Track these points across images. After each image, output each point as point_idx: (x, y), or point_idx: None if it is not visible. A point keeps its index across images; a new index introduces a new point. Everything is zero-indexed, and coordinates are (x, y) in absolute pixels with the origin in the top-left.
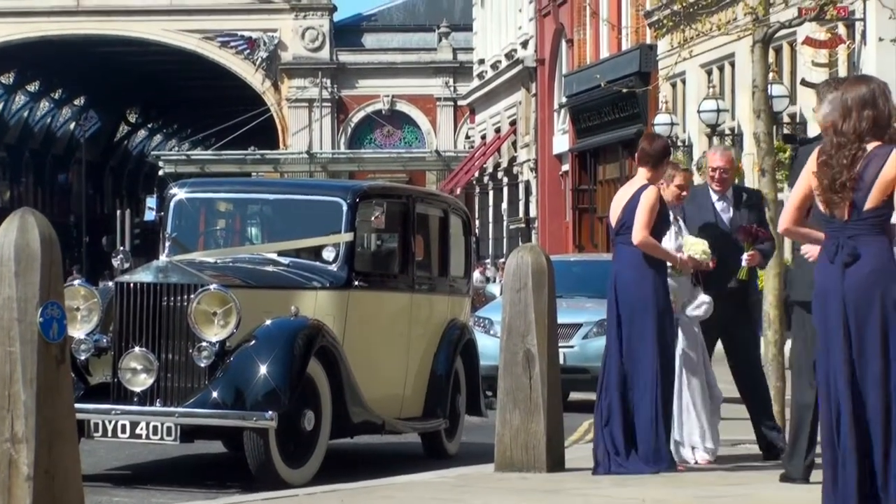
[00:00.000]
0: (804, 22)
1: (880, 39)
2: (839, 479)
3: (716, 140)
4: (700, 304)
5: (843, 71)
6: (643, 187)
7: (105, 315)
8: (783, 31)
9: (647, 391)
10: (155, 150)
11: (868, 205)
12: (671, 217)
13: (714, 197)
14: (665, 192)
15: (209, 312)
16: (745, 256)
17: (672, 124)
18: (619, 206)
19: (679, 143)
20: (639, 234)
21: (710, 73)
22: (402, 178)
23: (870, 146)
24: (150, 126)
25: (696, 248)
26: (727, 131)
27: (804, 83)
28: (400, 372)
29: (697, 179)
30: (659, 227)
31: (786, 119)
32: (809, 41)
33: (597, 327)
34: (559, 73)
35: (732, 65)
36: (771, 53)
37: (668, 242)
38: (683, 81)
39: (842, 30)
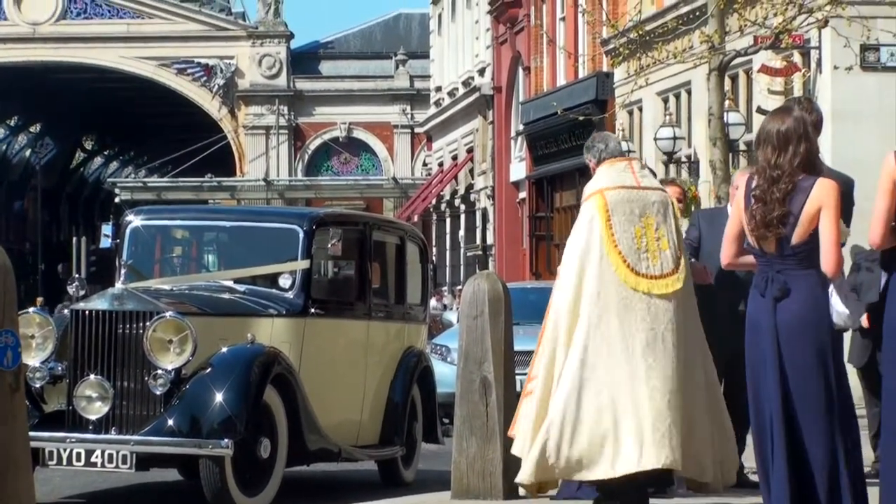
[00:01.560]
0: (760, 50)
1: (835, 67)
2: None
3: (672, 167)
4: None
5: None
6: None
7: (60, 343)
8: (739, 59)
9: None
10: (111, 178)
11: (795, 240)
12: None
13: None
14: None
15: (165, 340)
16: None
17: (629, 151)
18: None
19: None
20: None
21: (666, 100)
22: (360, 205)
23: (798, 178)
24: (106, 153)
25: None
26: (683, 159)
27: (760, 111)
28: (356, 399)
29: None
30: None
31: (742, 147)
32: (765, 69)
33: None
34: (516, 100)
35: (689, 92)
36: (727, 81)
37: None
38: (640, 109)
39: (797, 58)
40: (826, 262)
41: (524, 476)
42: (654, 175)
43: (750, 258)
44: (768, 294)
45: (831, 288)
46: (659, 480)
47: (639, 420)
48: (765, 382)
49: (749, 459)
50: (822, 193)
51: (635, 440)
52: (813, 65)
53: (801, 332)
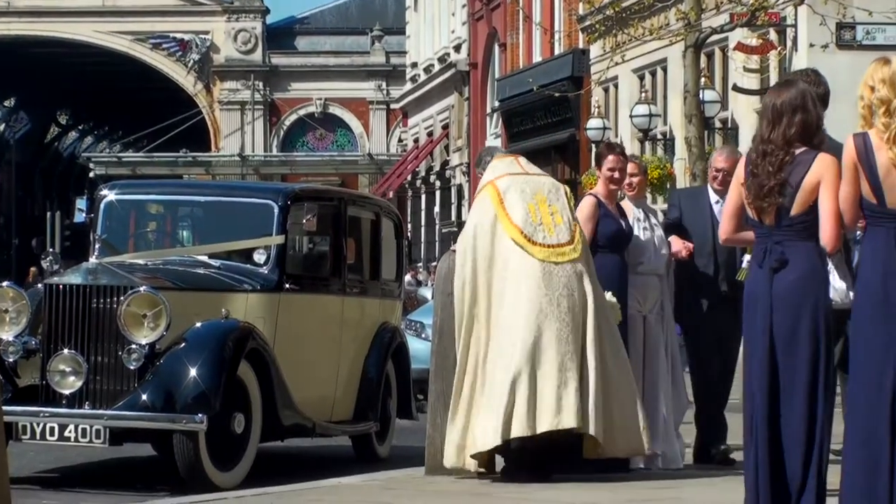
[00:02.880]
0: (736, 27)
1: (811, 45)
2: (759, 483)
3: (648, 144)
4: None
5: (774, 77)
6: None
7: (34, 317)
8: (715, 37)
9: None
10: (86, 152)
11: (794, 210)
12: (632, 215)
13: (713, 198)
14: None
15: (139, 314)
16: (746, 257)
17: (604, 129)
18: None
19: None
20: None
21: (642, 77)
22: (335, 181)
23: (798, 151)
24: (81, 128)
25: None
26: (659, 136)
27: (736, 88)
28: (331, 375)
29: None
30: (611, 234)
31: (717, 124)
32: (741, 47)
33: None
34: (492, 77)
35: (665, 70)
36: (703, 59)
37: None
38: (616, 86)
39: (773, 35)
40: (824, 236)
41: (450, 460)
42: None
43: (748, 234)
44: (766, 265)
45: (830, 265)
46: (563, 450)
47: (535, 384)
48: (755, 356)
49: (735, 437)
50: (821, 168)
51: (530, 405)
52: (789, 43)
53: (796, 302)
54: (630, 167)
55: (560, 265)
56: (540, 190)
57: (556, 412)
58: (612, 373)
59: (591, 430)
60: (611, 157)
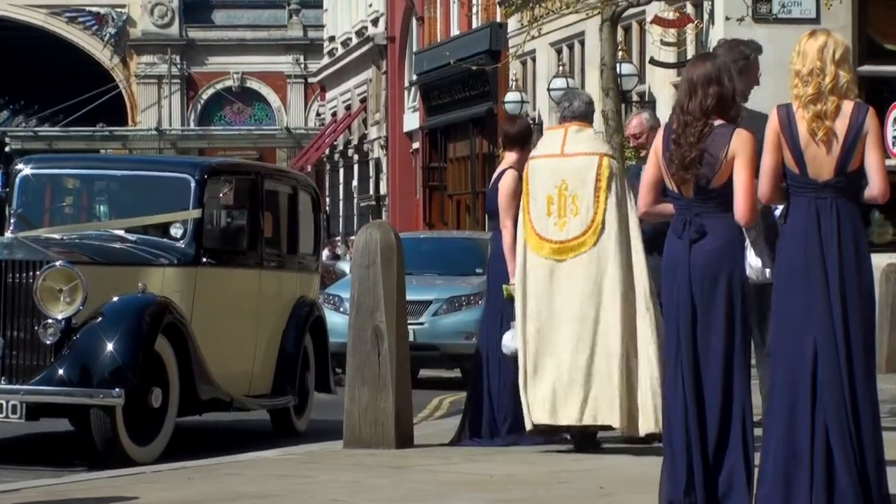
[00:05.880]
0: (652, 1)
1: (727, 18)
2: (676, 454)
3: None
4: None
5: (691, 50)
6: (501, 174)
7: None
8: (632, 10)
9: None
10: (1, 127)
11: (714, 183)
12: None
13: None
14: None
15: (55, 289)
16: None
17: (522, 102)
18: (489, 191)
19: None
20: (504, 230)
21: (559, 51)
22: (253, 155)
23: (716, 123)
24: None
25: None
26: None
27: (653, 62)
28: (249, 349)
29: None
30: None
31: (635, 97)
32: (658, 20)
33: (446, 304)
34: (410, 50)
35: (582, 43)
36: (620, 32)
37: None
38: (533, 60)
39: (690, 9)
40: (738, 211)
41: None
42: (606, 138)
43: (666, 206)
44: (685, 236)
45: (747, 242)
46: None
47: (552, 380)
48: (681, 326)
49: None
50: (737, 143)
51: (549, 400)
52: (705, 16)
53: (714, 272)
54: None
55: (563, 262)
56: (566, 178)
57: (552, 413)
58: (631, 362)
59: (617, 424)
60: None
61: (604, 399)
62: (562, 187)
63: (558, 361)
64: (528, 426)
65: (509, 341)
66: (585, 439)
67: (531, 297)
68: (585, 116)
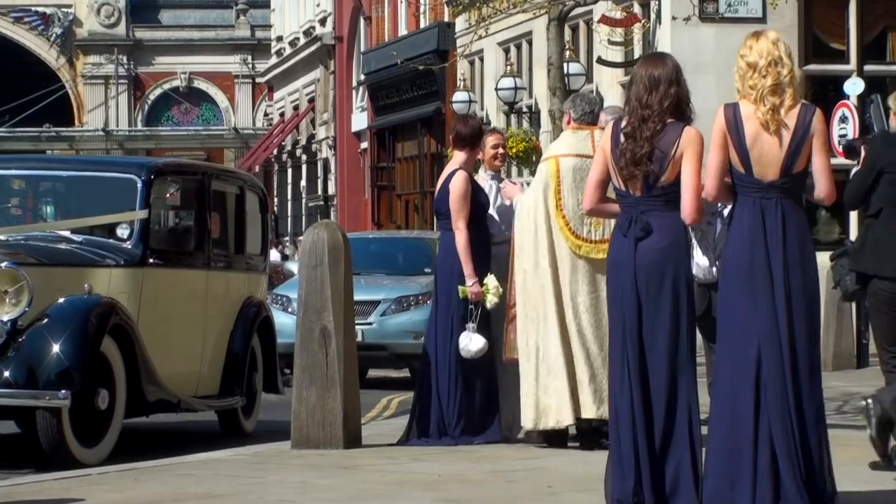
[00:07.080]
0: (599, 0)
1: (674, 18)
2: (624, 452)
3: (514, 117)
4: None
5: (638, 50)
6: (451, 174)
7: None
8: (579, 10)
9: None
10: None
11: (662, 180)
12: (486, 186)
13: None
14: (485, 162)
15: (0, 291)
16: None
17: (470, 102)
18: (437, 190)
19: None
20: (458, 232)
21: (507, 50)
22: (201, 155)
23: (669, 121)
24: None
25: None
26: (524, 109)
27: (600, 61)
28: (196, 350)
29: None
30: (479, 209)
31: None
32: (605, 19)
33: (395, 304)
34: (357, 50)
35: (530, 43)
36: (567, 32)
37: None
38: (481, 59)
39: (637, 8)
40: (684, 209)
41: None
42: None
43: (612, 205)
44: (630, 234)
45: (693, 241)
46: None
47: (573, 378)
48: (619, 323)
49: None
50: (686, 140)
51: (571, 396)
52: (652, 16)
53: (660, 271)
54: (496, 138)
55: (600, 259)
56: None
57: (556, 411)
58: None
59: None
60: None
61: None
62: None
63: (587, 353)
64: (529, 426)
65: (467, 343)
66: (593, 434)
67: (566, 293)
68: (597, 121)
